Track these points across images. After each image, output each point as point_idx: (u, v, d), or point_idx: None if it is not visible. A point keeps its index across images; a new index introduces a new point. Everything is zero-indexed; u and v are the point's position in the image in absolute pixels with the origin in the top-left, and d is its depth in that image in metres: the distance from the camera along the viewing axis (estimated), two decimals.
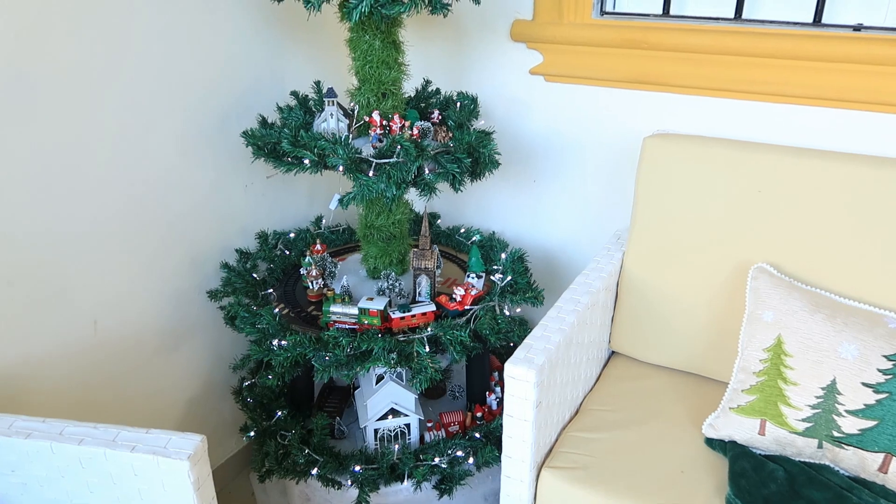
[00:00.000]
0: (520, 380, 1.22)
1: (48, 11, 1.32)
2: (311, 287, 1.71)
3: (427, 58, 2.05)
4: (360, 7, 1.39)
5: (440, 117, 1.74)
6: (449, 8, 1.46)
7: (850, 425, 1.22)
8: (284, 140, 1.50)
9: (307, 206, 2.12)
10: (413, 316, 1.56)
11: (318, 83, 1.80)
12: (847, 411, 1.22)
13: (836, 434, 1.23)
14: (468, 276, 1.70)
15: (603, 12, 1.80)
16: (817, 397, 1.25)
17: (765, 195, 1.45)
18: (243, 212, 1.90)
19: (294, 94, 1.77)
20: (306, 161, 1.49)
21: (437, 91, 1.85)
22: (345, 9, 1.44)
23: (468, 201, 2.17)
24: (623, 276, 1.63)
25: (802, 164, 1.43)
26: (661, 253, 1.57)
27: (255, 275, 1.80)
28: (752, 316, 1.39)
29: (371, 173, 1.46)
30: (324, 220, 2.08)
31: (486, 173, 1.63)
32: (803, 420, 1.26)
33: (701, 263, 1.53)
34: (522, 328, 1.67)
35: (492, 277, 1.71)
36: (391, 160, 1.46)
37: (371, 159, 1.47)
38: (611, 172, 1.88)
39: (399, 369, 1.54)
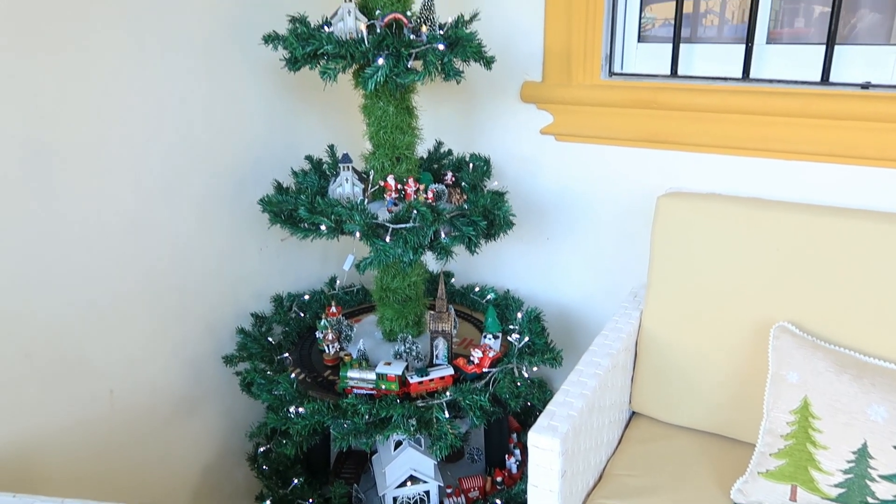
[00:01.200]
0: (544, 449, 1.20)
1: (67, 85, 1.35)
2: (327, 351, 1.70)
3: (439, 119, 2.08)
4: (375, 76, 1.41)
5: (454, 179, 1.76)
6: (462, 75, 1.48)
7: (885, 491, 1.19)
8: (301, 207, 1.51)
9: (321, 267, 2.13)
10: (431, 380, 1.55)
11: (332, 147, 1.83)
12: (881, 476, 1.19)
13: (870, 500, 1.20)
14: (485, 337, 1.69)
15: (611, 73, 1.83)
16: (848, 461, 1.22)
17: (782, 253, 1.45)
18: (258, 275, 1.90)
19: (309, 158, 1.79)
20: (323, 227, 1.50)
21: (450, 152, 1.88)
22: (360, 77, 1.47)
23: (482, 259, 2.18)
24: (642, 335, 1.62)
25: (819, 222, 1.42)
26: (680, 312, 1.56)
27: (270, 339, 1.79)
28: (776, 376, 1.37)
29: (388, 238, 1.47)
30: (338, 281, 2.08)
31: (501, 234, 1.64)
32: (836, 486, 1.23)
33: (721, 322, 1.52)
34: (542, 391, 1.65)
35: (509, 338, 1.70)
36: (408, 225, 1.47)
37: (387, 224, 1.48)
38: (623, 229, 1.89)
39: (418, 436, 1.52)
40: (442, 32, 1.49)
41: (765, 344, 1.47)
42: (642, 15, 1.82)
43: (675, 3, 1.68)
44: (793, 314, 1.45)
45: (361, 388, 1.55)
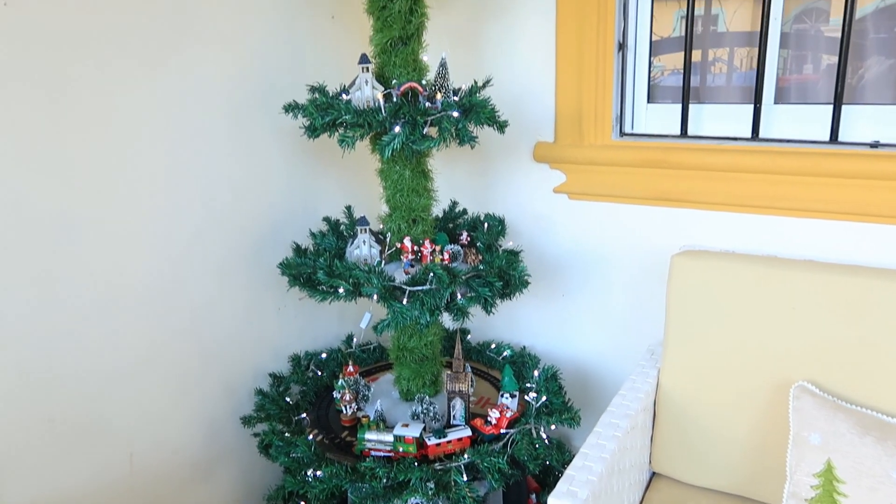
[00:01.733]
0: None
1: (95, 154, 1.40)
2: (344, 411, 1.71)
3: (453, 178, 2.12)
4: (392, 144, 1.46)
5: (469, 238, 1.79)
6: (476, 140, 1.53)
7: None
8: (320, 270, 1.54)
9: (338, 325, 2.15)
10: (449, 442, 1.54)
11: (349, 208, 1.87)
12: None
13: None
14: (502, 396, 1.69)
15: (622, 133, 1.87)
16: None
17: (798, 312, 1.45)
18: (276, 334, 1.92)
19: (327, 219, 1.83)
20: (341, 290, 1.52)
21: (465, 211, 1.91)
22: (377, 144, 1.52)
23: (498, 316, 2.19)
24: (660, 395, 1.61)
25: (833, 280, 1.43)
26: (698, 371, 1.56)
27: (288, 399, 1.80)
28: (797, 438, 1.35)
29: (405, 301, 1.49)
30: (355, 339, 2.09)
31: (517, 293, 1.65)
32: None
33: (740, 382, 1.51)
34: (560, 452, 1.63)
35: (526, 397, 1.70)
36: (424, 287, 1.49)
37: (404, 287, 1.50)
38: (638, 286, 1.90)
39: (436, 499, 1.51)
40: (456, 99, 1.54)
41: (785, 404, 1.46)
42: (651, 64, 1.86)
43: (682, 56, 1.73)
44: (812, 373, 1.44)
45: (379, 450, 1.55)
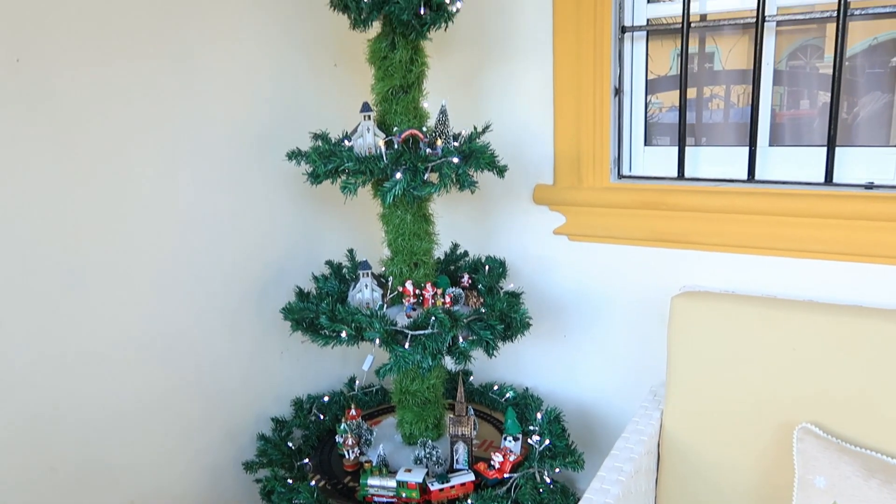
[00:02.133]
0: None
1: (98, 201, 1.43)
2: (347, 456, 1.70)
3: (454, 221, 2.15)
4: (393, 190, 1.48)
5: (470, 281, 1.80)
6: (476, 185, 1.55)
7: None
8: (322, 315, 1.55)
9: (341, 367, 2.15)
10: (452, 487, 1.54)
11: (351, 251, 1.89)
12: None
13: None
14: (505, 440, 1.68)
15: (620, 176, 1.89)
16: None
17: (799, 353, 1.45)
18: (279, 377, 1.92)
19: (329, 263, 1.85)
20: (344, 334, 1.53)
21: (466, 253, 1.93)
22: (379, 190, 1.54)
23: (500, 357, 2.19)
24: (664, 437, 1.61)
25: (833, 321, 1.43)
26: (701, 413, 1.55)
27: (290, 444, 1.79)
28: (802, 481, 1.34)
29: (407, 345, 1.50)
30: (357, 381, 2.09)
31: (518, 336, 1.66)
32: None
33: (743, 423, 1.50)
34: (564, 496, 1.62)
35: (529, 440, 1.69)
36: (426, 331, 1.50)
37: (406, 331, 1.51)
38: (640, 327, 1.90)
39: None
40: (456, 144, 1.57)
41: (789, 445, 1.45)
42: (647, 109, 1.90)
43: (678, 102, 1.76)
44: (815, 415, 1.44)
45: (382, 495, 1.54)
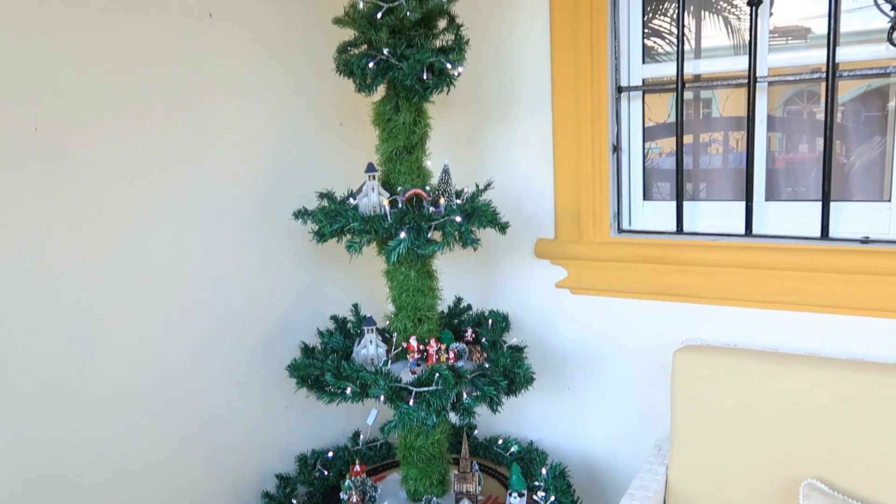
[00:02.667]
0: None
1: (107, 255, 1.46)
2: None
3: (458, 275, 2.17)
4: (398, 249, 1.51)
5: (474, 335, 1.82)
6: (479, 243, 1.58)
7: None
8: (328, 372, 1.56)
9: (345, 421, 2.15)
10: None
11: (356, 306, 1.91)
12: None
13: None
14: (510, 495, 1.68)
15: (620, 230, 1.93)
16: None
17: (803, 407, 1.46)
18: (283, 433, 1.93)
19: (334, 318, 1.87)
20: (349, 391, 1.54)
21: (469, 307, 1.95)
22: (383, 249, 1.57)
23: (504, 410, 2.16)
24: (669, 493, 1.60)
25: (834, 375, 1.45)
26: (706, 468, 1.55)
27: (294, 501, 1.78)
28: None
29: (411, 402, 1.51)
30: (361, 436, 2.09)
31: (522, 390, 1.67)
32: None
33: (749, 480, 1.50)
34: None
35: (534, 496, 1.69)
36: (430, 388, 1.51)
37: (411, 388, 1.52)
38: (643, 380, 1.91)
39: None
40: (459, 202, 1.61)
41: (795, 502, 1.45)
42: (647, 150, 1.94)
43: (675, 159, 1.80)
44: (820, 470, 1.44)
45: None
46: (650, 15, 1.99)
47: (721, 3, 1.99)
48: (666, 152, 2.04)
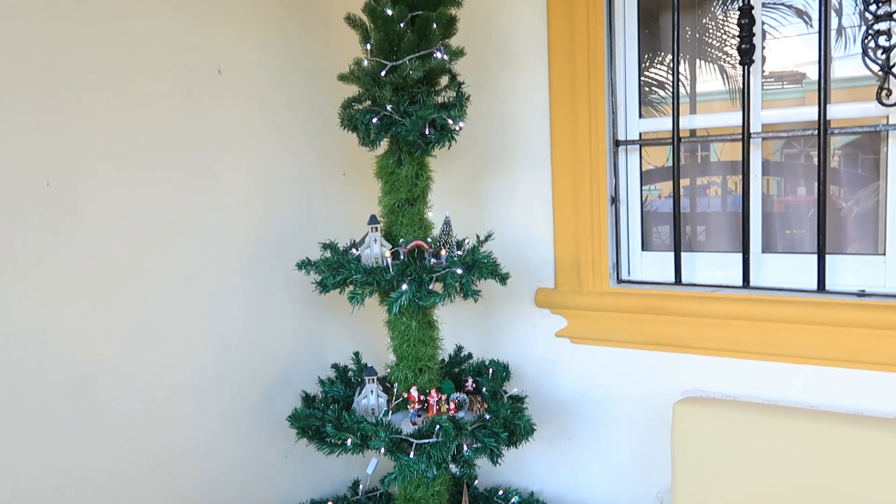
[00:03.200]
0: None
1: (110, 299, 1.48)
2: None
3: (459, 323, 2.19)
4: (399, 301, 1.53)
5: (474, 385, 1.82)
6: (479, 294, 1.60)
7: None
8: (328, 424, 1.57)
9: (344, 470, 2.14)
10: None
11: (357, 354, 1.92)
12: None
13: None
14: None
15: (619, 280, 1.95)
16: None
17: (803, 462, 1.46)
18: (282, 482, 1.92)
19: (335, 366, 1.87)
20: (349, 442, 1.54)
21: (469, 356, 1.96)
22: (385, 300, 1.59)
23: (505, 459, 2.17)
24: None
25: (834, 430, 1.45)
26: None
27: None
28: None
29: (412, 454, 1.51)
30: (361, 486, 2.07)
31: (523, 441, 1.67)
32: None
33: None
34: None
35: None
36: (431, 440, 1.52)
37: (411, 439, 1.52)
38: (644, 430, 1.91)
39: None
40: (460, 253, 1.63)
41: None
42: (645, 188, 1.98)
43: (672, 213, 1.83)
44: None
45: None
46: (647, 63, 2.05)
47: (716, 52, 2.05)
48: (665, 194, 2.08)
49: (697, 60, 2.05)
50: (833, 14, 1.78)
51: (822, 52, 1.60)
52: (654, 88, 2.08)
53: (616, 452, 1.97)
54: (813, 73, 1.76)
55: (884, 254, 1.67)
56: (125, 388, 1.49)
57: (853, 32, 1.77)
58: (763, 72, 1.77)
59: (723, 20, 2.01)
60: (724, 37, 2.02)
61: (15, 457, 1.31)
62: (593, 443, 2.00)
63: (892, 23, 1.54)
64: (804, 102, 1.89)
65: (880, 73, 1.56)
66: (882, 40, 1.55)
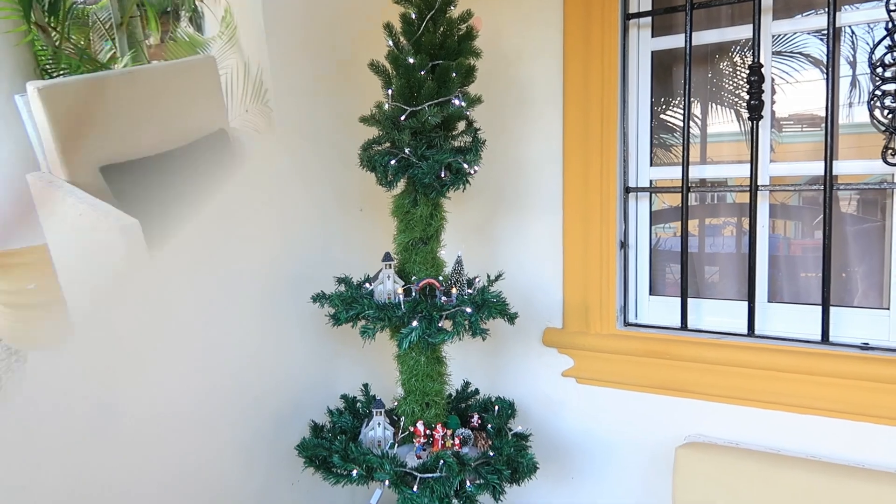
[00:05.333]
0: None
1: (129, 339, 1.53)
2: None
3: (467, 359, 2.22)
4: (409, 337, 1.58)
5: (480, 421, 1.85)
6: (488, 333, 1.64)
7: None
8: (335, 454, 1.61)
9: (349, 498, 2.16)
10: None
11: (366, 386, 1.96)
12: None
13: None
14: None
15: (626, 323, 1.98)
16: None
17: None
18: None
19: (344, 397, 1.91)
20: (354, 474, 1.58)
21: (476, 392, 1.99)
22: (396, 335, 1.64)
23: (507, 497, 2.19)
24: None
25: (833, 482, 1.47)
26: None
27: None
28: None
29: (415, 487, 1.54)
30: None
31: (525, 480, 1.69)
32: None
33: None
34: None
35: None
36: (434, 475, 1.55)
37: (415, 473, 1.56)
38: (646, 473, 1.92)
39: None
40: (471, 292, 1.68)
41: None
42: (659, 227, 2.02)
43: (680, 253, 1.87)
44: None
45: None
46: (662, 107, 2.11)
47: (730, 96, 2.10)
48: (679, 233, 2.12)
49: (710, 104, 2.10)
50: (847, 66, 1.84)
51: (829, 112, 1.65)
52: (667, 131, 2.13)
53: (618, 494, 1.98)
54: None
55: (888, 308, 1.69)
56: (141, 413, 1.54)
57: (866, 81, 1.83)
58: (773, 114, 1.81)
59: (740, 66, 2.06)
60: (738, 81, 2.07)
61: (34, 474, 1.36)
62: (596, 483, 2.02)
63: None
64: (821, 146, 1.93)
65: (885, 133, 1.60)
66: (888, 101, 1.60)
